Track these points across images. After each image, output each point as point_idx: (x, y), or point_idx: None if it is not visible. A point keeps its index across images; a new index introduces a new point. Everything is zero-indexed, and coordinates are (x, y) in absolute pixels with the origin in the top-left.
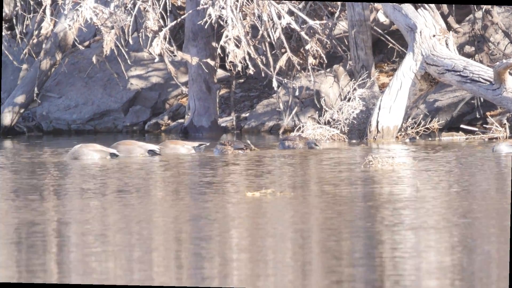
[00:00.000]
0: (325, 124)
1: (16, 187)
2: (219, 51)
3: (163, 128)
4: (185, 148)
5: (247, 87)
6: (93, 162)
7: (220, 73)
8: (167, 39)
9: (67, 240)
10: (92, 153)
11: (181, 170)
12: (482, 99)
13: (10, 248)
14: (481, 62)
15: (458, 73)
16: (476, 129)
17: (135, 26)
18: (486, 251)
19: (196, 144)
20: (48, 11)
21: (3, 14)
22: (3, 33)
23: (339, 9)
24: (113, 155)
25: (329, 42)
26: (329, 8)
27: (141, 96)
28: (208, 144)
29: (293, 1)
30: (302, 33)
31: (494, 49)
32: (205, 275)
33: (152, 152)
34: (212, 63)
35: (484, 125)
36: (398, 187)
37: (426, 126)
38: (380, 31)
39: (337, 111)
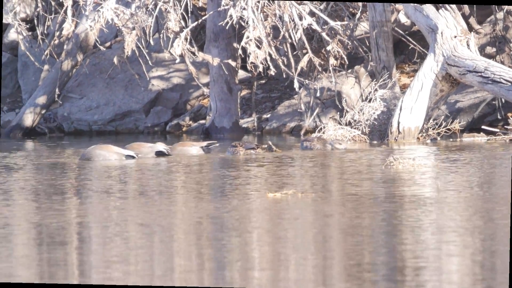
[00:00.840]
0: (346, 125)
1: (37, 188)
2: (240, 52)
3: (184, 129)
4: (193, 149)
5: (269, 88)
6: (110, 163)
7: (241, 74)
8: (188, 40)
9: (88, 240)
10: (107, 154)
11: (202, 170)
12: (503, 100)
13: (31, 248)
14: (502, 63)
15: (480, 74)
16: (497, 130)
17: (156, 27)
18: (505, 251)
19: (204, 144)
20: (69, 12)
21: (25, 15)
22: (24, 34)
23: (360, 10)
24: (128, 157)
25: (350, 43)
26: (350, 9)
27: (162, 97)
28: (217, 143)
29: (314, 2)
30: (323, 34)
31: None
32: (226, 277)
33: (160, 153)
34: (233, 64)
35: (505, 126)
36: (419, 188)
37: (447, 127)
38: (401, 32)
39: (358, 112)
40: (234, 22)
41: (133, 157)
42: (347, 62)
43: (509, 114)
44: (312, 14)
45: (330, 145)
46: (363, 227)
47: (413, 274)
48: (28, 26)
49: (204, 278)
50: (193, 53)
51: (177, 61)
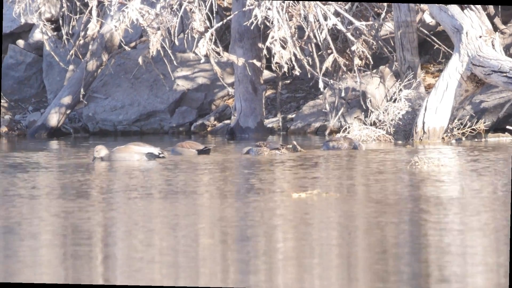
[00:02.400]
0: (371, 125)
1: (62, 188)
2: (265, 52)
3: (209, 129)
4: (190, 151)
5: (293, 88)
6: (132, 163)
7: (266, 74)
8: (213, 40)
9: (113, 241)
10: (127, 155)
11: (227, 171)
12: None
13: (56, 249)
14: None
15: (505, 74)
16: None
17: (181, 27)
18: None
19: (201, 147)
20: (94, 12)
21: (50, 15)
22: (50, 34)
23: (385, 10)
24: (150, 155)
25: (375, 43)
26: (375, 9)
27: (187, 97)
28: (211, 147)
29: (339, 2)
30: (348, 34)
31: None
32: (251, 278)
33: (150, 156)
34: (258, 64)
35: None
36: (443, 188)
37: (472, 127)
38: (426, 32)
39: (383, 112)
40: (259, 22)
41: (155, 155)
42: (372, 62)
43: None
44: (337, 14)
45: (356, 145)
46: (387, 227)
47: (437, 275)
48: (53, 26)
49: (227, 279)
50: (218, 53)
51: (202, 61)
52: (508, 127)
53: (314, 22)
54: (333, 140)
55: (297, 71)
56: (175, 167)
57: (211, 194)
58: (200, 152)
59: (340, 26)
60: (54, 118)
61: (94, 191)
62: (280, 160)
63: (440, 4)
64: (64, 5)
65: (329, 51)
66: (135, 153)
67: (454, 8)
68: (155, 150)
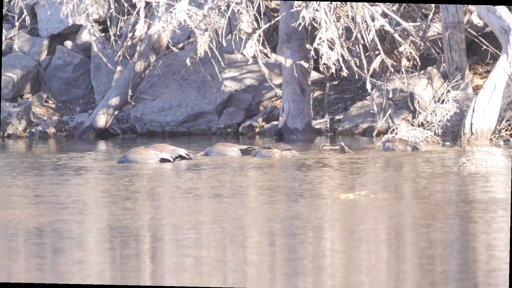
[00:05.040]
0: (418, 126)
1: (108, 189)
2: (312, 53)
3: (257, 130)
4: (232, 151)
5: (341, 89)
6: (167, 165)
7: (314, 75)
8: (261, 41)
9: (161, 241)
10: (146, 157)
11: (272, 172)
12: None
13: (104, 250)
14: None
15: None
16: None
17: (229, 28)
18: None
19: (244, 147)
20: (142, 13)
21: (98, 16)
22: (97, 35)
23: (432, 11)
24: (164, 160)
25: (422, 44)
26: (423, 10)
27: (235, 98)
28: (256, 148)
29: (386, 3)
30: (396, 35)
31: None
32: (299, 280)
33: (164, 161)
34: (306, 65)
35: None
36: (491, 189)
37: None
38: (474, 33)
39: (431, 113)
40: (306, 24)
41: (169, 160)
42: (419, 63)
43: None
44: (384, 15)
45: (411, 146)
46: (435, 228)
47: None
48: (101, 28)
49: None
50: (266, 54)
51: (250, 62)
52: None
53: (362, 23)
54: (390, 141)
55: (344, 72)
56: (216, 168)
57: (259, 195)
58: (244, 152)
59: (387, 27)
60: (102, 119)
61: (143, 194)
62: (327, 161)
63: (488, 5)
64: (112, 6)
65: (376, 52)
66: (152, 157)
67: (502, 9)
68: (182, 151)
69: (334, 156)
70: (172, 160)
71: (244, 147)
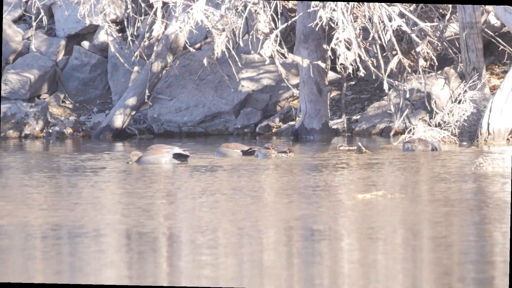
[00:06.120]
0: (436, 126)
1: (125, 190)
2: (329, 53)
3: (274, 130)
4: (234, 152)
5: (358, 90)
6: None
7: (331, 75)
8: (278, 41)
9: (178, 242)
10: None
11: (290, 173)
12: None
13: (122, 251)
14: None
15: None
16: None
17: (246, 28)
18: None
19: (245, 148)
20: (159, 14)
21: (115, 16)
22: (114, 35)
23: (450, 11)
24: (177, 156)
25: (440, 44)
26: (440, 10)
27: (252, 98)
28: (257, 149)
29: (404, 3)
30: (413, 35)
31: None
32: (316, 281)
33: (178, 156)
34: (323, 65)
35: None
36: (508, 189)
37: None
38: (491, 33)
39: (448, 113)
40: (323, 24)
41: (184, 156)
42: (436, 63)
43: None
44: (401, 15)
45: (431, 146)
46: (452, 229)
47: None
48: (118, 28)
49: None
50: (283, 55)
51: (267, 62)
52: None
53: (379, 23)
54: (410, 141)
55: (361, 72)
56: (235, 168)
57: (275, 195)
58: (245, 153)
59: (404, 27)
60: (119, 120)
61: (162, 195)
62: (345, 161)
63: (505, 5)
64: (129, 6)
65: (394, 52)
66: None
67: None
68: (177, 150)
69: (351, 156)
70: (187, 154)
71: (246, 148)
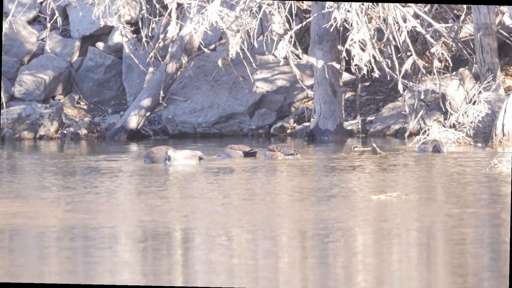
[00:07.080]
0: (450, 127)
1: (139, 191)
2: (344, 54)
3: (288, 131)
4: (237, 153)
5: (373, 90)
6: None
7: (346, 76)
8: (293, 42)
9: (191, 243)
10: (182, 159)
11: (302, 174)
12: None
13: (135, 251)
14: None
15: None
16: None
17: (261, 30)
18: None
19: (247, 149)
20: (174, 15)
21: (129, 17)
22: (129, 37)
23: (464, 12)
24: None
25: (454, 45)
26: (455, 11)
27: (266, 99)
28: (257, 150)
29: (418, 4)
30: (428, 36)
31: None
32: (329, 283)
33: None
34: (337, 66)
35: None
36: None
37: None
38: (505, 34)
39: (463, 115)
40: (338, 25)
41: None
42: (451, 64)
43: None
44: (416, 16)
45: (437, 148)
46: (468, 230)
47: None
48: (132, 29)
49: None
50: (297, 56)
51: (281, 63)
52: None
53: (394, 24)
54: (424, 143)
55: (376, 73)
56: (249, 169)
57: (289, 196)
58: (246, 154)
59: (419, 28)
60: (133, 121)
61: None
62: (359, 163)
63: None
64: (144, 7)
65: (408, 53)
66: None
67: None
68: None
69: (366, 157)
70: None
71: (247, 149)
